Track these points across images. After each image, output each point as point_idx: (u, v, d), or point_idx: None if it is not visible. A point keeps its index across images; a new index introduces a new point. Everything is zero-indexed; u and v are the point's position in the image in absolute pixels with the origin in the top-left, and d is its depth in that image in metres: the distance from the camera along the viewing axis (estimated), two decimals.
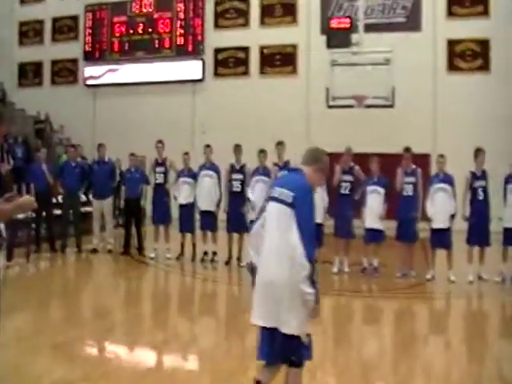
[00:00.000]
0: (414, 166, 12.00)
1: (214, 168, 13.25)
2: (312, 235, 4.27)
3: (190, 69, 22.89)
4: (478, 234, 11.43)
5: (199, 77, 22.82)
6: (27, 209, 4.64)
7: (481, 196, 11.50)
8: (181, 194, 13.46)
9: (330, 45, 16.74)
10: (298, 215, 4.26)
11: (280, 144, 12.75)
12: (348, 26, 16.27)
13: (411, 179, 11.81)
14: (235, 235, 13.03)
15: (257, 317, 4.41)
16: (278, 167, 12.40)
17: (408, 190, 11.77)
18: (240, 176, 13.02)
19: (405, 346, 7.31)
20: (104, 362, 6.52)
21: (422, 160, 14.51)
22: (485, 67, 19.99)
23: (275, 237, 4.32)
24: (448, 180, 11.53)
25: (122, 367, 6.30)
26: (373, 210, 11.94)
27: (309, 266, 4.10)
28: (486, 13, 19.90)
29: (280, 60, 22.11)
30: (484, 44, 19.95)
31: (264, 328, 4.40)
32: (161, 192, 13.79)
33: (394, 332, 8.38)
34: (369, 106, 16.19)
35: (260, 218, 4.54)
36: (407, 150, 12.08)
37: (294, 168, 4.75)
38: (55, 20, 25.44)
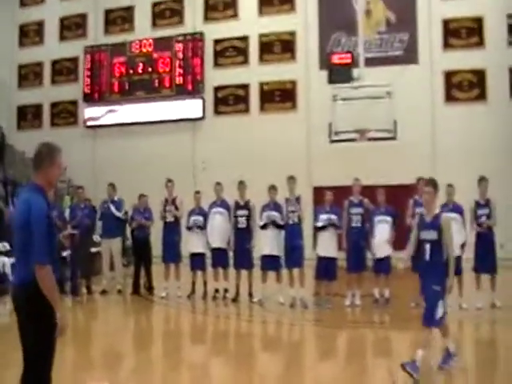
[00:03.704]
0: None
1: (224, 205, 13.32)
2: None
3: (190, 107, 23.04)
4: (485, 261, 11.54)
5: (199, 115, 22.95)
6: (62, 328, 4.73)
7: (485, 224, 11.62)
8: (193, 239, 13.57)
9: (331, 80, 16.94)
10: None
11: (291, 178, 12.79)
12: (349, 61, 16.45)
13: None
14: (243, 272, 13.08)
15: None
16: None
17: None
18: (245, 212, 13.08)
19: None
20: None
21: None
22: (482, 97, 20.21)
23: None
24: (458, 209, 11.60)
25: None
26: (381, 239, 12.00)
27: None
28: (481, 43, 20.18)
29: (280, 96, 22.27)
30: (480, 74, 20.21)
31: None
32: (171, 231, 13.82)
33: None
34: (371, 139, 16.38)
35: None
36: (421, 179, 12.12)
37: None
38: (55, 62, 25.62)
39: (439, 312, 7.12)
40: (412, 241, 7.58)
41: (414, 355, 6.96)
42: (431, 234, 7.22)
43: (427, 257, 7.27)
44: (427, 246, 7.25)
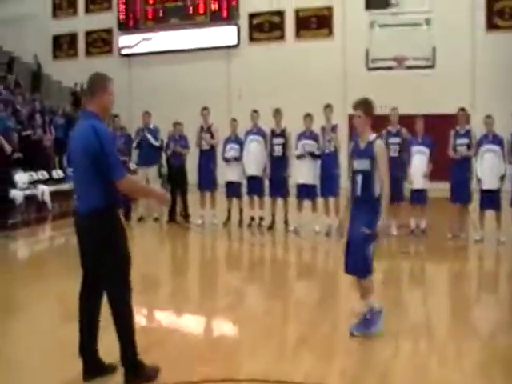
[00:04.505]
0: (467, 126, 11.92)
1: (261, 133, 13.21)
2: None
3: (225, 35, 22.75)
4: None
5: (234, 43, 22.68)
6: (161, 201, 5.28)
7: None
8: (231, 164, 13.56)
9: (368, 6, 16.65)
10: None
11: (328, 107, 12.55)
12: None
13: (465, 140, 11.71)
14: (279, 200, 13.12)
15: None
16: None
17: (462, 151, 11.66)
18: (281, 140, 13.00)
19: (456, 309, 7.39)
20: (158, 330, 6.69)
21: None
22: None
23: None
24: (497, 141, 11.37)
25: (177, 334, 6.50)
26: (418, 171, 11.90)
27: None
28: None
29: (316, 23, 21.80)
30: None
31: None
32: (207, 158, 13.81)
33: (445, 294, 8.47)
34: (409, 68, 16.11)
35: None
36: (462, 109, 11.92)
37: None
38: None
39: (365, 260, 6.08)
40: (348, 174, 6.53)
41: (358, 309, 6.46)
42: (363, 164, 6.17)
43: (358, 191, 6.20)
44: (359, 178, 6.18)
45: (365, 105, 6.23)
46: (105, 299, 4.93)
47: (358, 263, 6.07)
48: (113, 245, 4.80)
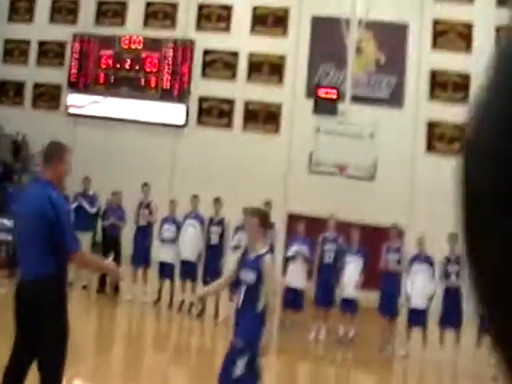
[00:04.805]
0: (398, 243, 12.49)
1: (199, 218, 13.42)
2: None
3: (174, 113, 23.01)
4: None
5: (182, 122, 22.94)
6: (114, 277, 5.23)
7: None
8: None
9: (316, 111, 17.33)
10: None
11: (268, 204, 12.98)
12: (335, 97, 16.97)
13: (395, 256, 12.24)
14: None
15: None
16: None
17: (392, 266, 12.17)
18: (218, 229, 13.25)
19: None
20: None
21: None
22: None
23: None
24: (429, 262, 11.95)
25: None
26: (350, 279, 12.26)
27: None
28: (465, 99, 20.59)
29: (264, 117, 22.45)
30: (463, 129, 20.55)
31: None
32: (143, 234, 13.89)
33: None
34: (350, 177, 16.73)
35: None
36: (395, 226, 12.52)
37: None
38: (42, 43, 25.30)
39: (236, 373, 5.69)
40: (225, 276, 6.45)
41: None
42: (249, 276, 5.86)
43: (239, 302, 5.98)
44: (243, 289, 5.91)
45: (263, 215, 6.18)
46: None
47: (227, 376, 5.79)
48: (58, 312, 4.78)
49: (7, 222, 15.93)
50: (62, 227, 4.68)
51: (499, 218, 0.53)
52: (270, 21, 22.86)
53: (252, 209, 6.31)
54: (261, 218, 6.02)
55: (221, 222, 13.28)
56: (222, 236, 13.21)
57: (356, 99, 18.13)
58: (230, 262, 12.73)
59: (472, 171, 0.58)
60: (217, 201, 13.45)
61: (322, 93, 17.21)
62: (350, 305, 12.31)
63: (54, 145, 5.16)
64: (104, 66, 24.00)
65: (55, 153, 5.06)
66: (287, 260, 12.78)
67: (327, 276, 12.44)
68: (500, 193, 0.53)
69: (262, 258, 5.90)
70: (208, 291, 6.21)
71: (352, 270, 12.33)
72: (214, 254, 13.11)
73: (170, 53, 23.33)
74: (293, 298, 12.36)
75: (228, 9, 23.25)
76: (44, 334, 4.74)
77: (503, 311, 0.53)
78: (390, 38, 21.37)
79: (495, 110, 0.55)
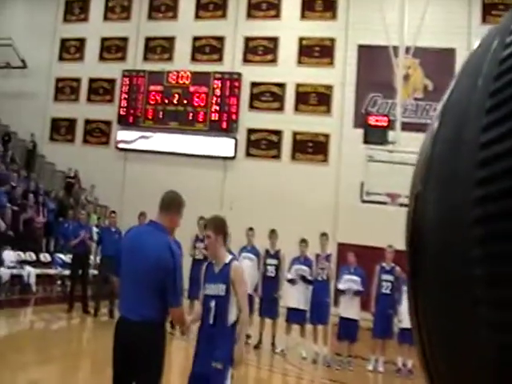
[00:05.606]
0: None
1: (254, 251, 13.45)
2: None
3: (223, 145, 23.31)
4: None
5: (231, 154, 23.22)
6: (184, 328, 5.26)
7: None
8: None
9: (366, 141, 17.24)
10: None
11: (324, 235, 12.98)
12: (386, 124, 16.80)
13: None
14: (267, 320, 13.21)
15: None
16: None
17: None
18: (275, 261, 13.27)
19: None
20: None
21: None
22: None
23: None
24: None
25: None
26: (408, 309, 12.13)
27: None
28: None
29: (312, 147, 22.55)
30: None
31: None
32: (199, 268, 13.90)
33: None
34: (402, 205, 16.59)
35: None
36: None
37: None
38: (92, 80, 26.02)
39: None
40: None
41: None
42: (217, 289, 5.49)
43: (210, 319, 5.43)
44: (212, 304, 5.43)
45: (214, 223, 5.76)
46: None
47: None
48: (158, 357, 4.77)
49: (63, 257, 16.28)
50: (176, 278, 4.70)
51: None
52: (316, 51, 23.03)
53: (206, 220, 6.04)
54: (215, 227, 5.65)
55: (277, 255, 13.30)
56: (277, 268, 13.22)
57: (405, 127, 18.04)
58: (286, 293, 12.90)
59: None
60: (272, 232, 13.47)
61: (372, 120, 17.07)
62: (407, 335, 12.15)
63: (176, 195, 5.16)
64: (153, 102, 24.41)
65: (176, 204, 5.07)
66: (339, 292, 12.71)
67: (385, 306, 12.32)
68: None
69: (229, 266, 5.57)
70: (193, 319, 5.88)
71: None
72: (271, 286, 13.10)
73: (218, 86, 23.55)
74: (347, 329, 12.27)
75: (274, 40, 23.54)
76: (144, 372, 4.73)
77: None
78: (438, 63, 21.29)
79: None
